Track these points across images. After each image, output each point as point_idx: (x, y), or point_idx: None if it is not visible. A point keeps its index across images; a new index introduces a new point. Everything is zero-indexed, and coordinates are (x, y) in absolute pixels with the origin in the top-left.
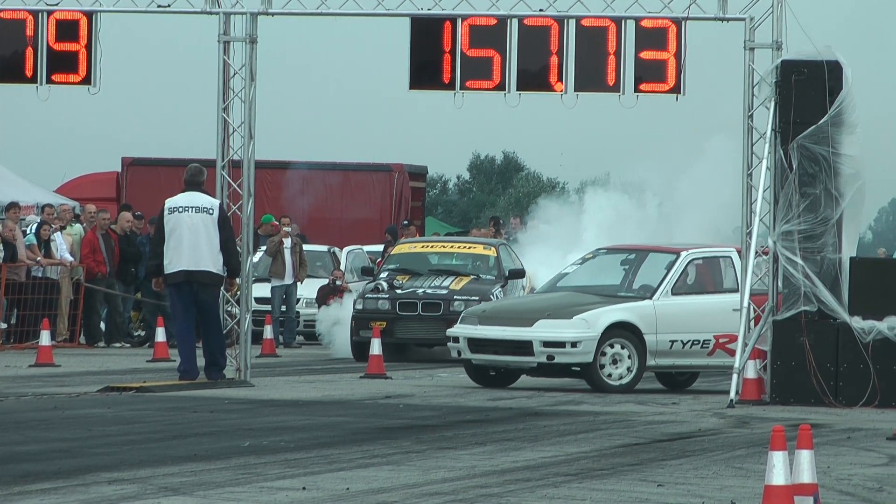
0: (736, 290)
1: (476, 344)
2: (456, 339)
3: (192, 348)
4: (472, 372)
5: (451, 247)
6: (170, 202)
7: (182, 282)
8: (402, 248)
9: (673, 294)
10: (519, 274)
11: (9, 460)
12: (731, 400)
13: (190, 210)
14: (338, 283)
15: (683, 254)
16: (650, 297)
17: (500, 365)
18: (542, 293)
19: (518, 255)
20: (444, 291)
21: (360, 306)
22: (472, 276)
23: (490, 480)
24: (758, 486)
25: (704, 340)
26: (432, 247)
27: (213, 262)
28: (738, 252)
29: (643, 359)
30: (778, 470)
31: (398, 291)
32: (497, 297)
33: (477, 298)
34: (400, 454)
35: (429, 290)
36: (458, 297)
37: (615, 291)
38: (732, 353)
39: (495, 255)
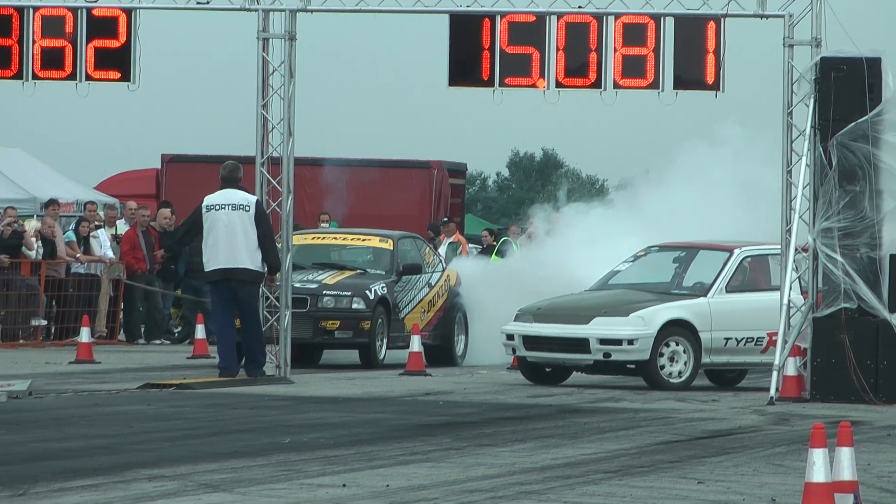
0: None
1: (531, 342)
2: (511, 337)
3: (232, 345)
4: (527, 369)
5: (346, 239)
6: (207, 200)
7: (220, 279)
8: (295, 240)
9: (727, 291)
10: (415, 269)
11: (49, 457)
12: (771, 397)
13: (227, 208)
14: None
15: (737, 251)
16: (705, 295)
17: (556, 362)
18: (595, 290)
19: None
20: (315, 286)
21: None
22: (357, 271)
23: (530, 477)
24: (798, 483)
25: (758, 338)
26: (324, 238)
27: (250, 258)
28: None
29: (698, 356)
30: (818, 467)
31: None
32: (379, 293)
33: (349, 294)
34: (440, 451)
35: (297, 285)
36: (329, 293)
37: (668, 289)
38: None
39: (392, 248)
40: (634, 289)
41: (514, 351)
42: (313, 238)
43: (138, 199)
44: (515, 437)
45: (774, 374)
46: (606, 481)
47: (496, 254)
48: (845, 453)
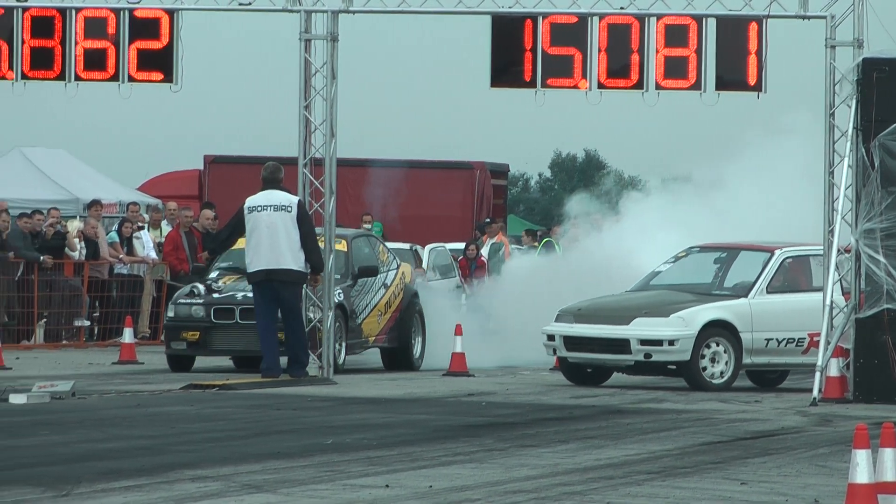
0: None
1: (572, 342)
2: (551, 337)
3: (275, 346)
4: (567, 369)
5: None
6: (249, 201)
7: (263, 280)
8: (240, 244)
9: (768, 292)
10: (371, 272)
11: (92, 457)
12: (814, 398)
13: (269, 209)
14: (418, 280)
15: (777, 252)
16: (746, 296)
17: (597, 363)
18: (636, 291)
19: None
20: None
21: (171, 313)
22: None
23: (573, 478)
24: (841, 484)
25: (799, 339)
26: None
27: (293, 259)
28: None
29: (739, 357)
30: (861, 468)
31: (215, 296)
32: (335, 299)
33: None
34: (482, 452)
35: (250, 295)
36: None
37: (709, 290)
38: None
39: (346, 249)
40: (675, 289)
41: (554, 351)
42: None
43: (181, 199)
44: (558, 438)
45: (817, 374)
46: (649, 482)
47: (538, 255)
48: (889, 454)
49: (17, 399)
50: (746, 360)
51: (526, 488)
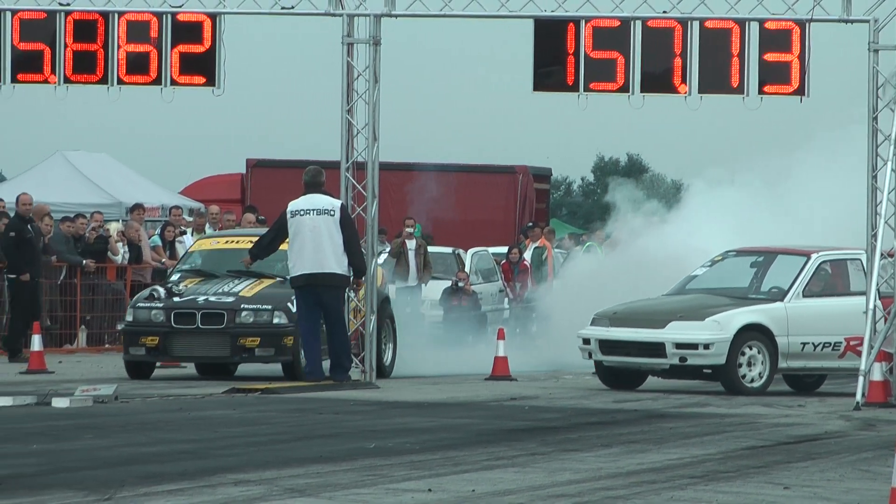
0: (864, 293)
1: (608, 346)
2: (587, 341)
3: (318, 350)
4: (602, 373)
5: None
6: (292, 205)
7: (305, 284)
8: (201, 245)
9: (804, 296)
10: None
11: (135, 461)
12: (857, 402)
13: (311, 213)
14: (461, 284)
15: (814, 256)
16: (781, 300)
17: (632, 367)
18: (672, 295)
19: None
20: (231, 299)
21: (130, 317)
22: (276, 279)
23: (615, 482)
24: (884, 488)
25: (835, 343)
26: (238, 242)
27: (337, 263)
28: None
29: (775, 361)
30: None
31: (176, 299)
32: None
33: (270, 307)
34: (525, 456)
35: (212, 298)
36: (247, 307)
37: (745, 293)
38: None
39: None
40: (711, 293)
41: (590, 355)
42: (226, 241)
43: (223, 203)
44: (601, 442)
45: (860, 379)
46: (692, 486)
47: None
48: None
49: (60, 403)
50: (782, 363)
51: (569, 493)
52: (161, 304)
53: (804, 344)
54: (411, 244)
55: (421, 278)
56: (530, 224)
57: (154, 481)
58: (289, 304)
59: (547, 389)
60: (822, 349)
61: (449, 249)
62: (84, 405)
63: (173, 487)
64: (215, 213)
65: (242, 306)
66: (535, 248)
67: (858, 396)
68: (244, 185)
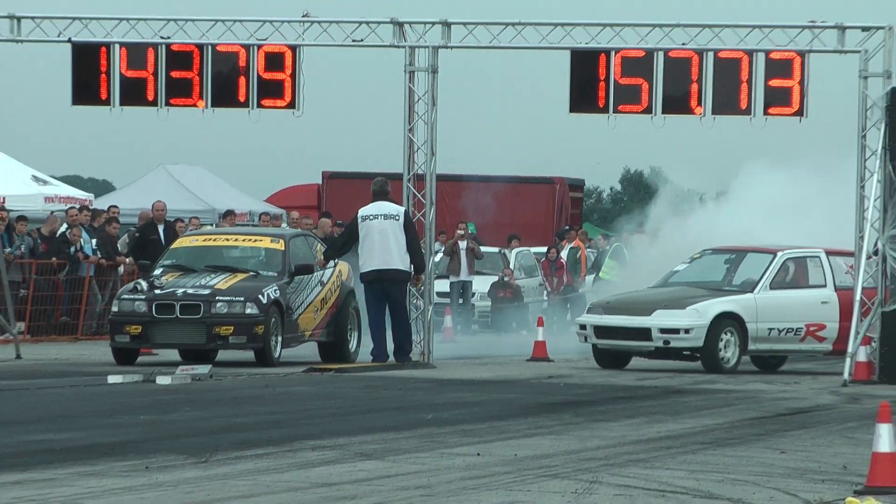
0: (822, 286)
1: (601, 331)
2: (583, 327)
3: (383, 336)
4: (598, 355)
5: (237, 240)
6: (362, 211)
7: (374, 280)
8: (182, 242)
9: (771, 288)
10: (307, 269)
11: (228, 430)
12: (845, 380)
13: (379, 217)
14: (506, 279)
15: (779, 254)
16: (752, 291)
17: (622, 349)
18: (657, 287)
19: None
20: (207, 292)
21: (115, 308)
22: (249, 273)
23: (637, 448)
24: (867, 453)
25: (797, 328)
26: (216, 240)
27: (400, 260)
28: (826, 252)
29: (745, 344)
30: (884, 439)
31: (157, 292)
32: (272, 296)
33: (242, 299)
34: (560, 426)
35: (190, 291)
36: (222, 298)
37: (720, 286)
38: (821, 339)
39: (283, 248)
40: (691, 286)
41: (585, 339)
42: (204, 239)
43: (302, 209)
44: (625, 414)
45: (848, 360)
46: (702, 451)
47: (609, 257)
48: None
49: (163, 380)
50: (751, 346)
51: (597, 456)
52: (143, 296)
53: (770, 329)
54: (463, 244)
55: (471, 272)
56: (566, 227)
57: (244, 447)
58: (259, 296)
59: (580, 369)
60: (785, 334)
61: (496, 249)
62: (183, 382)
63: (260, 452)
64: (296, 218)
65: (217, 298)
66: (571, 248)
67: (846, 375)
68: (320, 194)
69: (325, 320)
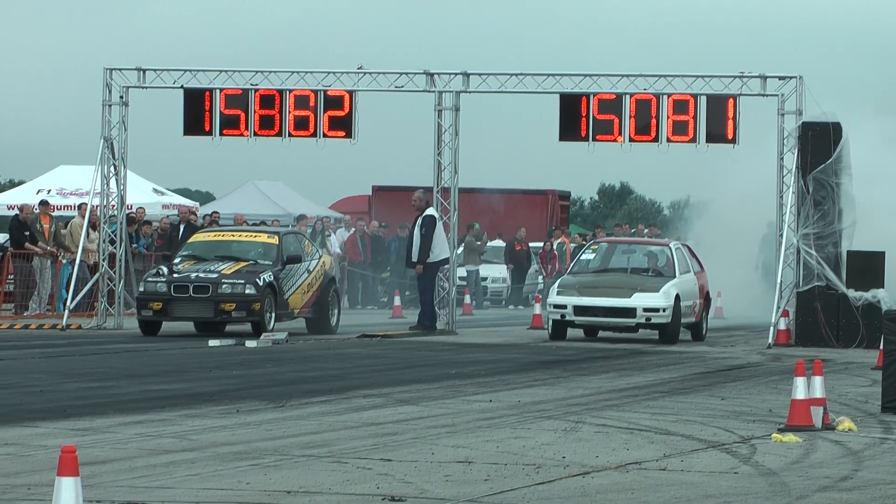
0: (688, 272)
1: (581, 310)
2: (560, 306)
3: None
4: (559, 328)
5: (241, 236)
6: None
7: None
8: (198, 237)
9: (682, 273)
10: (296, 259)
11: (299, 382)
12: (769, 344)
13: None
14: (520, 237)
15: (672, 244)
16: (681, 276)
17: (605, 325)
18: (599, 272)
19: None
20: (215, 276)
21: (142, 288)
22: (249, 262)
23: (611, 396)
24: (786, 400)
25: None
26: (224, 236)
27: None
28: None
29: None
30: (800, 389)
31: (175, 275)
32: (267, 280)
33: (243, 282)
34: (552, 378)
35: (201, 275)
36: (226, 281)
37: (660, 273)
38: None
39: (277, 242)
40: (633, 273)
41: (562, 317)
42: (214, 235)
43: (356, 214)
44: (602, 370)
45: (771, 328)
46: (661, 398)
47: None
48: (817, 380)
49: (250, 344)
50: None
51: (581, 402)
52: (164, 279)
53: (685, 306)
54: (477, 240)
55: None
56: (555, 228)
57: (311, 395)
58: (257, 280)
59: (568, 337)
60: (687, 310)
61: (502, 244)
62: (266, 346)
63: (323, 399)
64: (348, 221)
65: (223, 281)
66: (559, 242)
67: (770, 340)
68: (370, 203)
69: (311, 301)
